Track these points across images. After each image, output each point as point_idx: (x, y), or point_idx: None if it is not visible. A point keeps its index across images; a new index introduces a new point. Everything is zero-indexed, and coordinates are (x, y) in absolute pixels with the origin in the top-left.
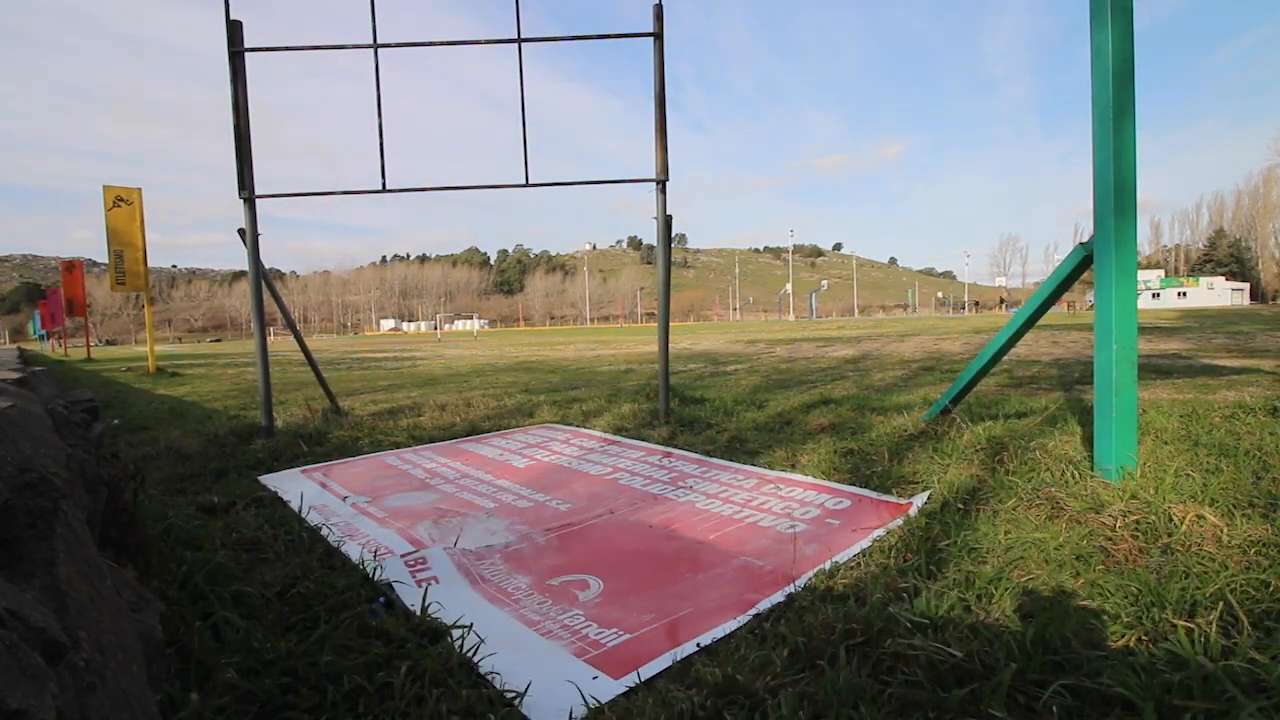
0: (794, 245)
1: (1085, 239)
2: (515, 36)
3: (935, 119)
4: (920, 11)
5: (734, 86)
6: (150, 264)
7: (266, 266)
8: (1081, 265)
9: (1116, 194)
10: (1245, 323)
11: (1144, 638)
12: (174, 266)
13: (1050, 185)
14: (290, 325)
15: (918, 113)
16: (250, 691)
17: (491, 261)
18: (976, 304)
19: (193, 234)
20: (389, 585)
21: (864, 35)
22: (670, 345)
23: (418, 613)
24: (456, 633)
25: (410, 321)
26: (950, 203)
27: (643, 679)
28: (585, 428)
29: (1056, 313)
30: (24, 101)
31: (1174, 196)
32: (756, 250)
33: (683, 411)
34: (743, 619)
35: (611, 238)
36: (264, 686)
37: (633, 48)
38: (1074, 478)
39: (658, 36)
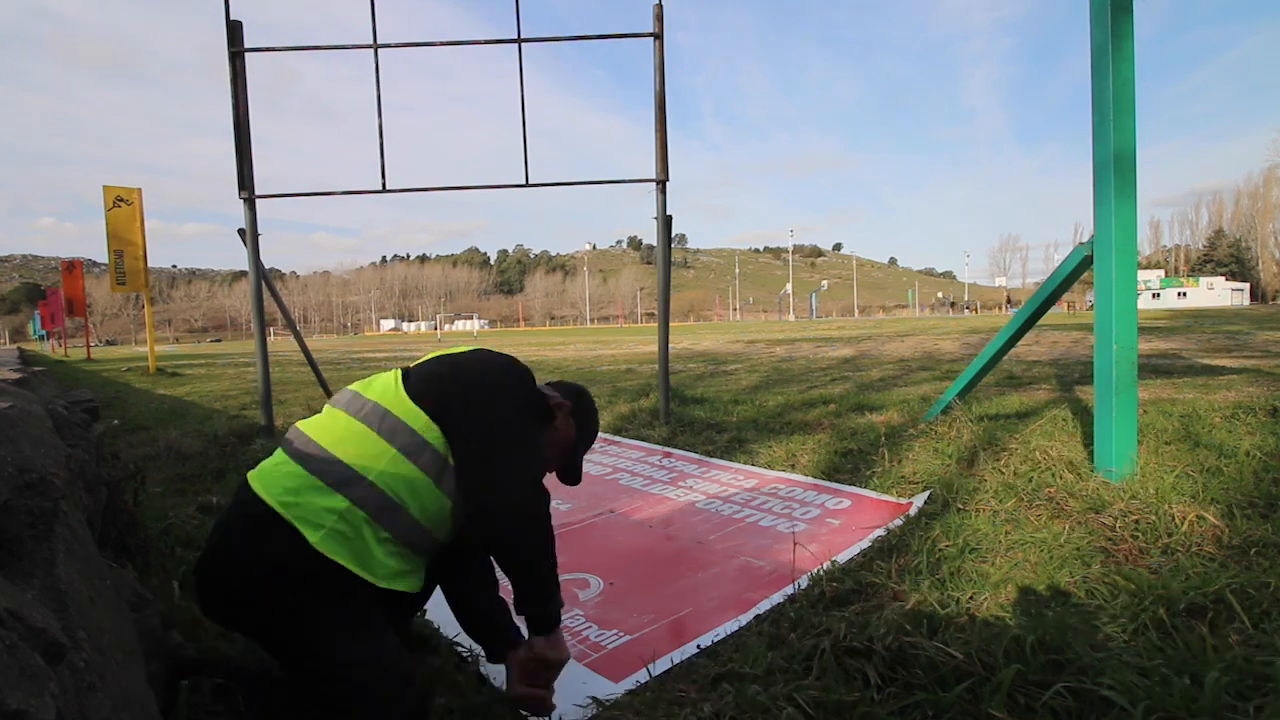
0: (794, 245)
1: (1085, 239)
2: (515, 36)
3: (922, 140)
4: (907, 60)
5: (747, 118)
6: (150, 264)
7: (266, 266)
8: (1081, 265)
9: (1117, 194)
10: (1245, 323)
11: (1145, 638)
12: (174, 266)
13: (1031, 195)
14: (290, 325)
15: (907, 138)
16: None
17: (491, 261)
18: (977, 304)
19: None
20: None
21: (860, 78)
22: (670, 345)
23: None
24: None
25: (410, 322)
26: (944, 210)
27: (643, 682)
28: None
29: (1056, 313)
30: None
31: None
32: (756, 250)
33: (682, 411)
34: (743, 619)
35: (611, 238)
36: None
37: (634, 51)
38: (1074, 478)
39: (658, 37)
